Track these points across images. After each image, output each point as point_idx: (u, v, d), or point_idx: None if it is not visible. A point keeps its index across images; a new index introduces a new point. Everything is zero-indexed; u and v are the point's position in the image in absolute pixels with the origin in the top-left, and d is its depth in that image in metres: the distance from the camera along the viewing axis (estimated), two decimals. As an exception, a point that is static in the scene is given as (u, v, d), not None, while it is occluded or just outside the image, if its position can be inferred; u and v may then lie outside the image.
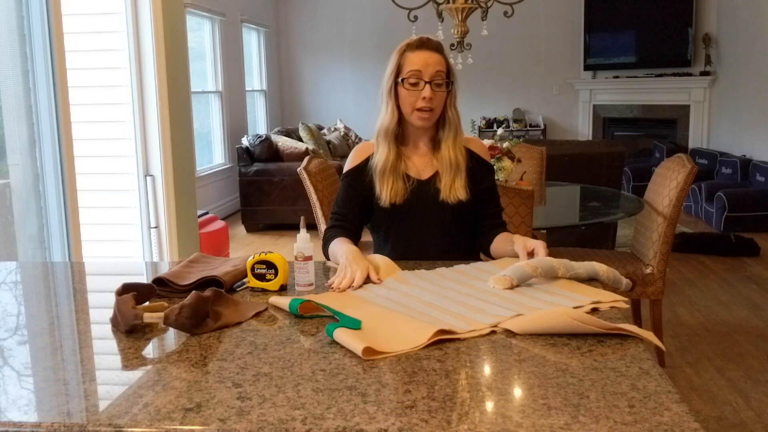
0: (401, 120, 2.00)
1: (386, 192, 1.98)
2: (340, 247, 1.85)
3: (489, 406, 1.02)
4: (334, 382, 1.10)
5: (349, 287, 1.60)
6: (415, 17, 4.46)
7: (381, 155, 2.00)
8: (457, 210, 1.99)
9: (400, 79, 1.95)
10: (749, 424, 2.70)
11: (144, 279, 1.78)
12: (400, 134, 2.03)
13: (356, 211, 2.04)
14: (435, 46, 1.97)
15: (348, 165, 2.09)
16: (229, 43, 7.58)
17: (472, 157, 2.05)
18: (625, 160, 5.98)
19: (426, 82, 1.92)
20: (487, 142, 3.26)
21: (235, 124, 7.77)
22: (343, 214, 2.04)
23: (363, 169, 2.04)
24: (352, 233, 2.02)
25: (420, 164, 2.04)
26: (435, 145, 2.04)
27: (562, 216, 3.73)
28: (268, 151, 6.52)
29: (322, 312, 1.41)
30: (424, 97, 1.92)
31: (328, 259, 1.98)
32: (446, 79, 1.96)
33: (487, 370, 1.17)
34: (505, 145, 3.39)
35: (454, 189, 1.98)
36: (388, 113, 1.98)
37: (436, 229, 2.02)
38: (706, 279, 4.71)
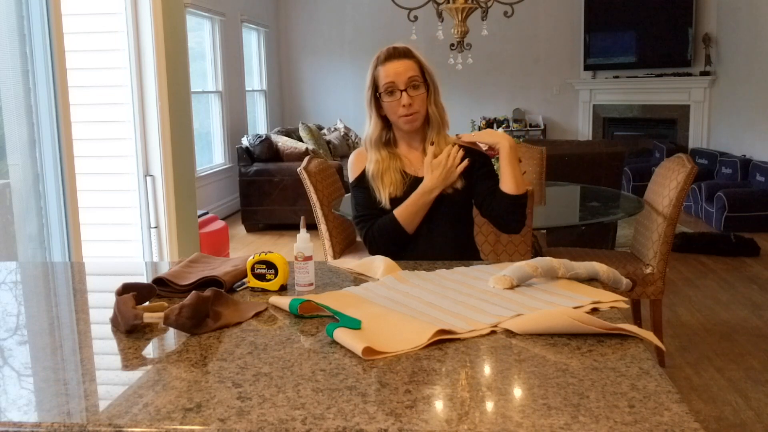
0: (390, 127, 2.09)
1: (384, 191, 2.05)
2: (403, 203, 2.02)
3: (489, 406, 1.02)
4: (334, 382, 1.10)
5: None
6: (415, 17, 4.47)
7: (372, 162, 2.08)
8: (454, 198, 2.03)
9: (378, 93, 2.03)
10: (749, 424, 2.70)
11: (144, 279, 1.78)
12: (392, 139, 2.11)
13: (379, 207, 2.08)
14: (403, 53, 2.03)
15: (353, 174, 2.16)
16: (229, 43, 7.57)
17: (465, 151, 2.07)
18: (625, 160, 5.98)
19: (402, 90, 1.99)
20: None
21: (235, 124, 7.77)
22: (370, 213, 2.10)
23: (365, 174, 2.11)
24: None
25: (416, 162, 2.11)
26: (425, 143, 2.10)
27: (562, 216, 3.73)
28: (268, 151, 6.52)
29: (322, 312, 1.41)
30: (404, 105, 1.99)
31: (377, 251, 2.00)
32: (422, 80, 2.02)
33: (487, 370, 1.17)
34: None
35: None
36: (372, 124, 2.08)
37: (437, 223, 2.05)
38: (706, 279, 4.71)
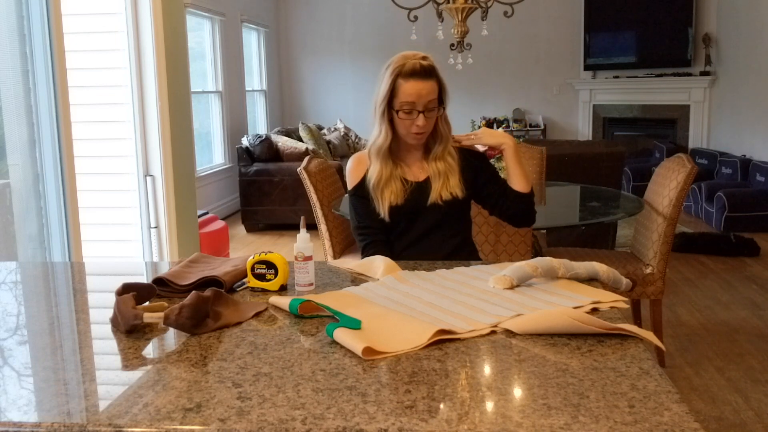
0: (395, 136, 2.04)
1: (384, 203, 2.04)
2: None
3: (489, 406, 1.02)
4: (334, 382, 1.10)
5: None
6: (415, 17, 4.47)
7: (374, 172, 2.05)
8: (454, 207, 2.03)
9: (395, 110, 1.98)
10: (749, 424, 2.70)
11: (144, 279, 1.78)
12: (394, 147, 2.07)
13: (379, 219, 2.07)
14: (428, 72, 1.96)
15: (351, 181, 2.13)
16: (229, 43, 7.57)
17: (464, 154, 2.08)
18: (625, 160, 5.98)
19: (419, 112, 1.96)
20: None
21: (235, 124, 7.77)
22: (370, 226, 2.09)
23: (365, 182, 2.09)
24: (387, 243, 2.08)
25: (416, 169, 2.10)
26: (426, 151, 2.09)
27: (562, 216, 3.72)
28: (268, 151, 6.52)
29: (322, 312, 1.41)
30: (418, 125, 1.97)
31: None
32: (438, 101, 2.00)
33: (487, 370, 1.17)
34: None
35: (447, 186, 2.03)
36: (381, 135, 2.02)
37: (438, 225, 2.05)
38: (706, 279, 4.71)
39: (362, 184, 2.09)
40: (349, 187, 2.14)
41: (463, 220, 2.13)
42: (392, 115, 1.99)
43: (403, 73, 1.95)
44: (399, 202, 2.03)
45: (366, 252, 2.07)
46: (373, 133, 2.05)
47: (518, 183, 2.05)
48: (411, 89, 1.94)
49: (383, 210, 2.04)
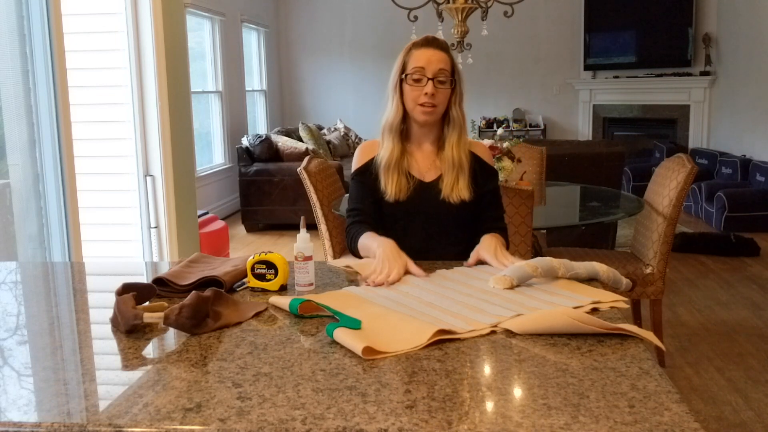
0: (406, 117, 2.02)
1: (391, 187, 2.00)
2: (374, 240, 1.89)
3: (489, 406, 1.02)
4: (334, 382, 1.10)
5: (383, 284, 1.63)
6: (415, 17, 4.46)
7: (386, 150, 2.03)
8: (461, 210, 2.00)
9: (404, 76, 1.98)
10: (749, 424, 2.70)
11: (144, 279, 1.78)
12: (405, 131, 2.05)
13: (372, 205, 2.06)
14: (440, 45, 2.00)
15: (355, 164, 2.12)
16: (229, 43, 7.57)
17: (476, 161, 2.06)
18: (625, 160, 5.98)
19: (429, 79, 1.94)
20: (487, 142, 3.26)
21: (235, 124, 7.77)
22: (360, 209, 2.06)
23: (370, 166, 2.07)
24: (375, 227, 2.04)
25: (424, 165, 2.05)
26: (440, 146, 2.05)
27: (562, 216, 3.73)
28: (268, 151, 6.52)
29: (322, 312, 1.42)
30: (426, 93, 1.94)
31: (356, 255, 1.99)
32: (450, 78, 1.98)
33: (487, 370, 1.17)
34: (505, 145, 3.38)
35: (457, 188, 1.99)
36: (393, 109, 2.01)
37: (440, 229, 2.04)
38: (706, 279, 4.71)
39: (365, 169, 2.07)
40: (352, 168, 2.13)
41: (467, 227, 2.08)
42: (403, 87, 1.98)
43: (416, 44, 1.99)
44: (401, 198, 2.01)
45: (349, 231, 2.04)
46: (386, 110, 2.03)
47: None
48: (421, 55, 1.96)
49: (390, 191, 2.00)
